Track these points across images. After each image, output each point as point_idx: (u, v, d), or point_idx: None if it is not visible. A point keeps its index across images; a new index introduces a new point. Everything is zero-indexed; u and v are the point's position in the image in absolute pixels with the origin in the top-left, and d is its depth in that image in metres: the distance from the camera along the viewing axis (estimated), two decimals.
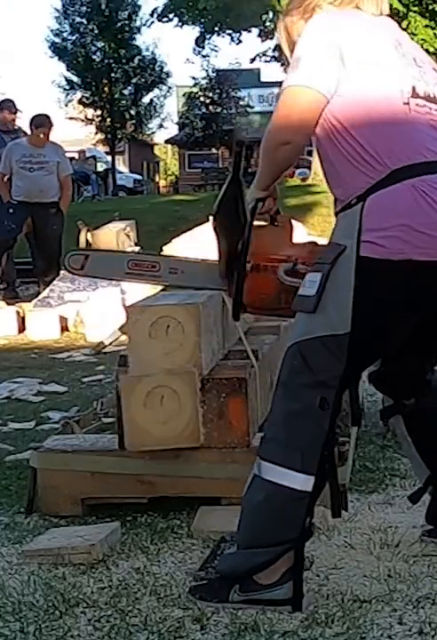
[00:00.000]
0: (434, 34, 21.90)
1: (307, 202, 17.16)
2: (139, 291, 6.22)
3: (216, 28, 25.94)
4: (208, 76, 37.21)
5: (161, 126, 42.08)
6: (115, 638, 2.33)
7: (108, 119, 38.32)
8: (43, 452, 3.33)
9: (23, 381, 5.79)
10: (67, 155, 10.11)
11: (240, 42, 26.84)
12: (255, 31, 25.39)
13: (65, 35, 37.81)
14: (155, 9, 25.99)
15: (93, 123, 38.65)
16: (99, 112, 38.41)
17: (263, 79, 39.61)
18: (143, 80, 38.75)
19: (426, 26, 21.79)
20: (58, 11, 37.77)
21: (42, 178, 9.20)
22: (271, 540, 2.43)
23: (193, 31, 29.77)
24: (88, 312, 7.78)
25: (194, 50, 32.06)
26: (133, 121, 39.49)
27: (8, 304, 8.67)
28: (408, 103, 2.45)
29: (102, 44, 37.35)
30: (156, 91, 39.84)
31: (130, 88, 38.82)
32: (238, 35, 26.41)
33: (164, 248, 9.74)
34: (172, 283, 3.05)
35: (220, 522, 2.98)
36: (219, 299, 3.28)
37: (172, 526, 3.08)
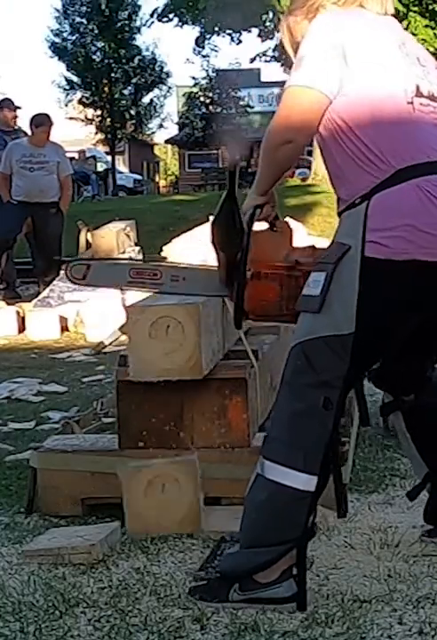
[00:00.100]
0: (434, 34, 21.89)
1: (307, 202, 17.15)
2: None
3: (216, 28, 25.92)
4: (208, 75, 37.25)
5: (161, 126, 42.18)
6: (115, 638, 2.33)
7: (108, 119, 38.34)
8: (43, 452, 3.33)
9: (23, 381, 5.79)
10: (67, 155, 10.11)
11: (240, 42, 26.80)
12: (255, 31, 25.38)
13: (65, 35, 37.85)
14: (156, 9, 25.99)
15: (93, 123, 38.67)
16: (99, 112, 38.43)
17: (263, 79, 39.61)
18: (143, 80, 38.77)
19: (426, 26, 21.78)
20: (58, 11, 37.85)
21: (42, 178, 9.20)
22: (273, 540, 2.43)
23: (193, 31, 29.77)
24: (88, 312, 7.78)
25: (194, 50, 32.04)
26: (133, 121, 39.51)
27: (8, 304, 8.67)
28: (412, 103, 2.45)
29: (102, 44, 37.36)
30: (156, 91, 39.93)
31: (130, 88, 38.84)
32: (238, 35, 26.39)
33: (164, 248, 9.74)
34: (174, 291, 3.06)
35: (220, 522, 2.98)
36: (219, 299, 3.28)
37: None
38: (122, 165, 43.43)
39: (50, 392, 5.52)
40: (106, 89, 37.91)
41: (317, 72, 2.42)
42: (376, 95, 2.43)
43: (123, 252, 9.42)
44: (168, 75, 39.84)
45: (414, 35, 20.22)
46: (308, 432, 2.42)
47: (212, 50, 33.87)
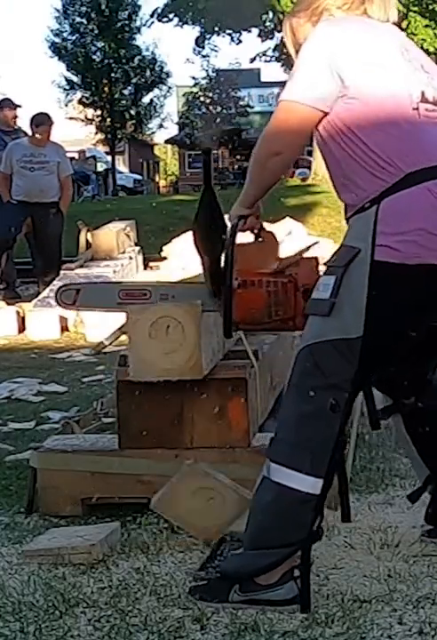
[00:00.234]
0: (434, 34, 21.90)
1: (307, 202, 17.16)
2: None
3: (216, 28, 25.93)
4: (208, 75, 37.27)
5: (161, 126, 42.17)
6: (115, 638, 2.33)
7: (108, 119, 38.33)
8: (43, 452, 3.33)
9: (23, 381, 5.79)
10: (68, 155, 10.10)
11: (240, 42, 26.83)
12: (255, 31, 25.39)
13: (65, 35, 37.83)
14: (156, 9, 26.01)
15: (93, 123, 38.67)
16: (99, 112, 38.42)
17: (263, 79, 39.67)
18: (143, 80, 38.76)
19: (426, 26, 21.79)
20: (58, 11, 37.82)
21: (42, 178, 9.19)
22: (277, 542, 2.43)
23: (193, 31, 29.76)
24: (88, 312, 7.77)
25: (194, 50, 32.07)
26: (133, 121, 39.49)
27: (8, 304, 8.67)
28: (417, 108, 2.45)
29: (102, 44, 37.34)
30: (156, 91, 39.90)
31: (130, 88, 38.82)
32: (238, 35, 26.40)
33: (164, 248, 9.75)
34: None
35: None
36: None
37: (172, 526, 3.07)
38: (122, 165, 43.47)
39: (50, 392, 5.52)
40: (106, 89, 37.89)
41: (309, 87, 2.43)
42: (379, 96, 2.42)
43: (123, 252, 9.43)
44: (168, 75, 39.86)
45: (414, 35, 20.30)
46: (315, 434, 2.42)
47: (212, 50, 33.98)
